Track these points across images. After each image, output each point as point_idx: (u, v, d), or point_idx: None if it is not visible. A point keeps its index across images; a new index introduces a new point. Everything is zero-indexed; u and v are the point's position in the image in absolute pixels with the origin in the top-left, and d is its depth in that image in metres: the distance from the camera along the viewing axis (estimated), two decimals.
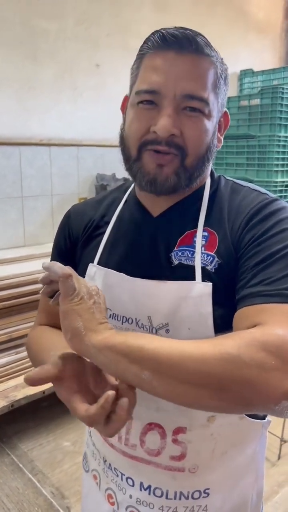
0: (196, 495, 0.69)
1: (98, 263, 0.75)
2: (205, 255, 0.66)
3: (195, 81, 0.63)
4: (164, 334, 0.64)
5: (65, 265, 0.81)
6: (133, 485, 0.72)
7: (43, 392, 1.69)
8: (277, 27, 4.22)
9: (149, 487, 0.70)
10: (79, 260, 0.81)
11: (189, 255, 0.66)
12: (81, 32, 2.66)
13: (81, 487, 1.83)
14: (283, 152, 2.86)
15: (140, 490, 0.71)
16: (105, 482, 0.78)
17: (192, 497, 0.69)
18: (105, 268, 0.73)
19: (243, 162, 2.83)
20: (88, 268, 0.75)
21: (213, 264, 0.65)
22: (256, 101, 2.79)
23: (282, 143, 2.82)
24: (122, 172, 3.00)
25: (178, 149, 0.65)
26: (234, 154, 2.88)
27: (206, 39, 0.65)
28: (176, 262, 0.67)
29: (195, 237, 0.67)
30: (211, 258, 0.65)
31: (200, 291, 0.63)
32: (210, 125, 0.67)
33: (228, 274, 0.64)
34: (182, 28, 0.65)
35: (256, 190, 0.72)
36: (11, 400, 1.18)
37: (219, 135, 0.73)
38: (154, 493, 0.70)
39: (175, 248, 0.68)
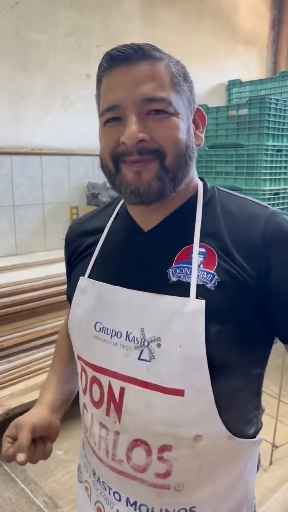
0: None
1: (89, 276, 0.75)
2: (204, 273, 0.64)
3: (150, 84, 0.63)
4: (155, 348, 0.64)
5: (69, 280, 0.86)
6: (119, 500, 0.71)
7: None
8: (264, 38, 4.31)
9: (135, 503, 0.69)
10: (71, 273, 0.82)
11: (188, 272, 0.65)
12: (71, 43, 2.69)
13: (74, 495, 1.83)
14: (271, 161, 2.92)
15: (127, 505, 0.70)
16: (95, 494, 0.78)
17: None
18: (98, 281, 0.73)
19: (232, 171, 2.87)
20: (79, 281, 0.76)
21: (212, 282, 0.64)
22: (244, 111, 2.84)
23: (270, 152, 2.87)
24: None
25: (153, 153, 0.64)
26: (223, 163, 2.92)
27: (153, 45, 0.66)
28: (174, 279, 0.66)
29: (192, 253, 0.66)
30: (211, 276, 0.64)
31: (193, 308, 0.62)
32: (181, 122, 0.66)
33: (230, 293, 0.63)
34: (126, 44, 0.66)
35: (252, 202, 0.71)
36: (6, 409, 1.18)
37: (198, 132, 0.72)
38: (139, 509, 0.69)
39: (173, 265, 0.67)
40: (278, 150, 2.94)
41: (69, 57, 2.69)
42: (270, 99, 2.79)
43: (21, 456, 0.73)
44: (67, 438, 2.24)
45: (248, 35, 4.08)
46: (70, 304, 0.88)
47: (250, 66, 4.18)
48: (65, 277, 2.37)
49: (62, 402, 0.90)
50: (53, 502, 1.82)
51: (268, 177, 2.88)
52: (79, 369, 0.78)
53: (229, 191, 0.75)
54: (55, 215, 2.77)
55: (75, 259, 0.82)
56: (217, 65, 3.70)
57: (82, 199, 2.88)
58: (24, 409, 1.88)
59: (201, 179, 0.76)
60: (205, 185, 0.75)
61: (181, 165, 0.66)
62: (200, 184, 0.74)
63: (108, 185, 2.96)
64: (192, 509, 0.68)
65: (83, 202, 2.88)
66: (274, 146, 2.90)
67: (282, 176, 3.04)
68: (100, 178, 2.94)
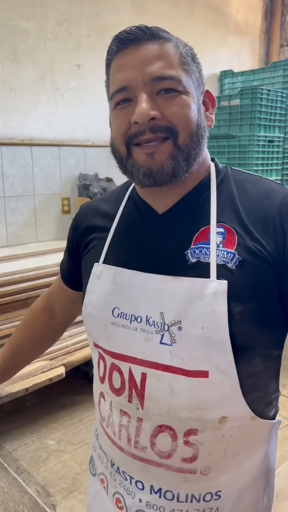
0: (208, 497, 0.68)
1: (104, 262, 0.74)
2: (225, 252, 0.64)
3: (159, 62, 0.64)
4: (176, 332, 0.63)
5: (71, 261, 0.88)
6: (142, 489, 0.70)
7: (26, 389, 1.70)
8: (256, 29, 4.29)
9: (160, 490, 0.68)
10: (84, 260, 0.81)
11: (207, 253, 0.65)
12: (61, 32, 2.67)
13: (66, 484, 1.85)
14: (263, 152, 2.92)
15: (150, 493, 0.69)
16: (112, 486, 0.76)
17: (204, 500, 0.68)
18: (114, 266, 0.72)
19: (224, 162, 2.87)
20: (94, 267, 0.75)
21: (233, 261, 0.63)
22: (236, 102, 2.84)
23: (261, 142, 2.88)
24: (104, 172, 3.02)
25: (165, 131, 0.64)
26: (216, 154, 2.92)
27: (160, 27, 0.67)
28: (194, 260, 0.65)
29: (210, 233, 0.66)
30: (232, 255, 0.63)
31: (214, 289, 0.61)
32: (191, 101, 0.65)
33: (252, 271, 0.63)
34: (134, 26, 0.67)
35: (268, 180, 0.71)
36: None
37: (208, 114, 0.72)
38: (165, 496, 0.68)
39: (192, 246, 0.66)
40: (269, 141, 2.94)
41: (59, 47, 2.67)
42: (262, 89, 2.79)
43: None
44: (58, 428, 2.26)
45: (240, 25, 4.06)
46: (61, 274, 0.93)
47: (242, 57, 4.16)
48: (56, 269, 2.36)
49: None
50: (46, 491, 1.84)
51: (260, 167, 2.89)
52: (96, 357, 0.77)
53: (242, 170, 0.74)
54: (46, 206, 2.76)
55: (87, 244, 0.81)
56: (208, 55, 3.68)
57: (74, 191, 2.87)
58: (12, 398, 1.89)
59: (213, 159, 0.75)
60: (217, 165, 0.74)
61: (194, 144, 0.66)
62: (212, 165, 0.74)
63: (99, 176, 2.95)
64: (218, 493, 0.68)
65: (74, 193, 2.87)
66: (265, 136, 2.90)
67: (274, 167, 3.05)
68: (91, 169, 2.93)
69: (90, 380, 2.68)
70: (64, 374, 1.66)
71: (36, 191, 2.68)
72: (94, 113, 2.92)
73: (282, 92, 2.95)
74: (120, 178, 3.01)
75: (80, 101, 2.83)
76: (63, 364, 1.81)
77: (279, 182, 0.75)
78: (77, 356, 2.05)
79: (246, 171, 0.74)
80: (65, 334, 2.23)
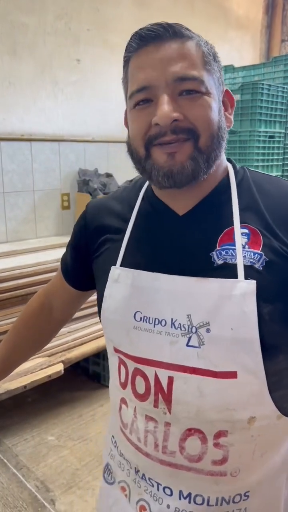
0: (237, 499, 0.67)
1: (122, 265, 0.72)
2: (251, 253, 0.64)
3: (182, 62, 0.62)
4: (204, 334, 0.62)
5: (76, 259, 0.87)
6: (171, 495, 0.69)
7: (25, 386, 1.70)
8: (257, 23, 4.26)
9: (189, 495, 0.67)
10: (97, 262, 0.80)
11: (233, 254, 0.64)
12: (61, 27, 2.65)
13: (66, 480, 1.85)
14: (263, 147, 2.91)
15: (179, 499, 0.68)
16: (136, 493, 0.74)
17: (233, 501, 0.67)
18: (134, 269, 0.70)
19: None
20: (111, 271, 0.73)
21: (260, 262, 0.63)
22: (236, 97, 2.82)
23: (262, 138, 2.86)
24: (104, 167, 3.01)
25: (187, 132, 0.62)
26: None
27: (182, 24, 0.65)
28: (220, 261, 0.64)
29: (234, 234, 0.65)
30: (258, 255, 0.63)
31: (243, 290, 0.61)
32: (213, 102, 0.64)
33: (279, 271, 0.62)
34: (156, 23, 0.65)
35: (286, 180, 0.70)
36: None
37: (227, 114, 0.70)
38: (194, 501, 0.67)
39: (217, 247, 0.65)
40: (270, 137, 2.92)
41: (59, 41, 2.65)
42: (263, 84, 2.77)
43: None
44: (58, 424, 2.26)
45: (241, 20, 4.03)
46: (62, 272, 0.91)
47: (243, 51, 4.14)
48: (55, 264, 2.36)
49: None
50: (45, 486, 1.84)
51: (260, 163, 2.87)
52: (116, 363, 0.75)
53: (259, 171, 0.74)
54: (46, 202, 2.75)
55: (99, 245, 0.79)
56: None
57: (73, 186, 2.86)
58: (11, 395, 1.89)
59: (229, 160, 0.74)
60: (234, 166, 0.73)
61: (215, 146, 0.65)
62: (230, 166, 0.73)
63: (99, 171, 2.94)
64: (246, 493, 0.67)
65: (74, 188, 2.86)
66: (266, 132, 2.88)
67: (275, 163, 3.04)
68: (91, 164, 2.92)
69: (89, 376, 2.69)
70: (63, 371, 1.66)
71: (36, 187, 2.67)
72: (94, 108, 2.91)
73: (283, 87, 2.94)
74: (120, 174, 3.01)
75: (79, 96, 2.81)
76: (62, 361, 1.81)
77: (257, 170, 0.75)
78: (76, 353, 2.05)
79: (263, 172, 0.74)
80: (64, 330, 2.23)
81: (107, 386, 2.82)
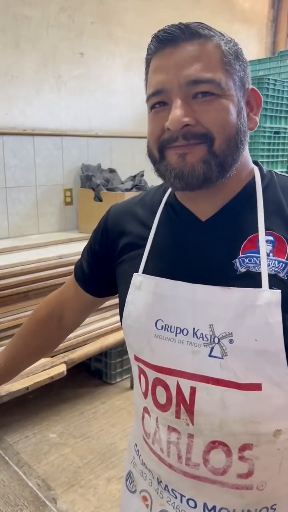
0: (264, 511, 0.66)
1: (144, 272, 0.71)
2: (276, 262, 0.62)
3: (196, 65, 0.61)
4: (227, 344, 0.61)
5: (94, 265, 0.85)
6: (195, 507, 0.67)
7: (27, 388, 1.68)
8: (263, 17, 4.20)
9: (214, 507, 0.66)
10: (119, 268, 0.78)
11: (257, 262, 0.62)
12: (64, 19, 2.61)
13: (67, 478, 1.84)
14: (268, 143, 2.87)
15: (204, 511, 0.67)
16: (158, 503, 0.73)
17: None
18: (156, 277, 0.69)
19: None
20: (133, 278, 0.72)
21: (285, 271, 0.61)
22: None
23: (267, 134, 2.83)
24: (107, 163, 2.98)
25: (199, 137, 0.61)
26: None
27: (201, 23, 0.63)
28: (243, 269, 0.63)
29: (259, 241, 0.63)
30: (283, 264, 0.61)
31: (267, 299, 0.59)
32: (230, 104, 0.62)
33: None
34: (173, 24, 0.63)
35: None
36: None
37: (252, 114, 0.68)
38: None
39: (240, 255, 0.63)
40: (275, 132, 2.89)
41: (62, 34, 2.61)
42: (269, 79, 2.73)
43: None
44: (60, 421, 2.25)
45: (247, 13, 3.98)
46: (77, 278, 0.89)
47: (249, 46, 4.08)
48: (57, 261, 2.32)
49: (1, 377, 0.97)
50: (46, 485, 1.83)
51: (265, 159, 2.84)
52: (136, 371, 0.74)
53: (286, 174, 0.71)
54: (48, 197, 2.72)
55: (121, 250, 0.77)
56: None
57: (76, 181, 2.83)
58: (12, 397, 1.88)
59: (256, 163, 0.72)
60: (261, 169, 0.71)
61: (231, 150, 0.63)
62: (256, 169, 0.71)
63: (102, 167, 2.91)
64: (273, 506, 0.66)
65: (77, 184, 2.83)
66: (271, 128, 2.85)
67: (280, 159, 3.00)
68: (94, 159, 2.89)
69: (91, 373, 2.67)
70: (65, 372, 1.64)
71: (38, 182, 2.65)
72: (98, 103, 2.87)
73: None
74: (123, 169, 2.97)
75: (83, 90, 2.78)
76: (65, 362, 1.79)
77: (284, 174, 0.72)
78: (79, 353, 2.03)
79: None
80: None
81: (109, 384, 2.83)
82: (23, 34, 2.43)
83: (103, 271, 0.83)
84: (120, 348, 2.56)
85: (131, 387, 2.59)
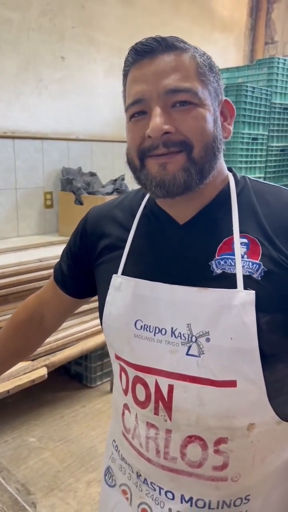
0: (238, 502, 0.68)
1: (123, 273, 0.73)
2: (250, 263, 0.64)
3: (174, 75, 0.63)
4: (204, 343, 0.63)
5: (74, 267, 0.86)
6: (173, 498, 0.70)
7: (8, 391, 1.67)
8: (242, 25, 4.29)
9: (191, 499, 0.68)
10: (98, 270, 0.79)
11: (232, 264, 0.64)
12: (45, 23, 2.62)
13: (47, 482, 1.83)
14: (247, 149, 2.93)
15: (181, 502, 0.69)
16: (137, 496, 0.75)
17: (234, 505, 0.68)
18: (134, 278, 0.71)
19: None
20: (112, 279, 0.73)
21: (259, 272, 0.63)
22: None
23: (245, 140, 2.88)
24: (88, 166, 2.98)
25: (179, 145, 0.63)
26: None
27: (176, 37, 0.66)
28: (218, 271, 0.65)
29: (234, 244, 0.66)
30: (257, 266, 0.64)
31: (242, 299, 0.62)
32: (207, 113, 0.64)
33: (277, 281, 0.63)
34: (150, 37, 0.65)
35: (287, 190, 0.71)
36: None
37: (226, 124, 0.70)
38: (196, 505, 0.68)
39: (216, 257, 0.66)
40: (253, 139, 2.95)
41: (43, 37, 2.62)
42: (247, 86, 2.79)
43: None
44: (39, 425, 2.24)
45: (226, 22, 4.05)
46: (56, 281, 0.90)
47: (227, 53, 4.16)
48: (37, 264, 2.31)
49: None
50: (26, 489, 1.81)
51: (244, 165, 2.89)
52: (117, 370, 0.76)
53: (260, 180, 0.74)
54: (28, 200, 2.71)
55: (100, 252, 0.79)
56: None
57: (57, 185, 2.83)
58: None
59: (230, 169, 0.75)
60: (235, 175, 0.74)
61: (209, 157, 0.65)
62: (230, 175, 0.73)
63: (83, 170, 2.91)
64: (247, 497, 0.68)
65: (57, 187, 2.83)
66: (250, 134, 2.91)
67: (257, 165, 3.07)
68: (75, 163, 2.89)
69: (71, 376, 2.67)
70: (46, 375, 1.64)
71: (18, 185, 2.64)
72: (78, 106, 2.88)
73: (267, 90, 2.96)
74: (104, 173, 2.98)
75: (64, 93, 2.78)
76: (46, 365, 1.79)
77: (262, 179, 0.75)
78: (59, 357, 2.02)
79: (264, 182, 0.74)
80: None
81: (89, 387, 2.82)
82: (4, 37, 2.43)
83: (82, 273, 0.84)
84: (101, 352, 2.57)
85: (111, 390, 2.59)
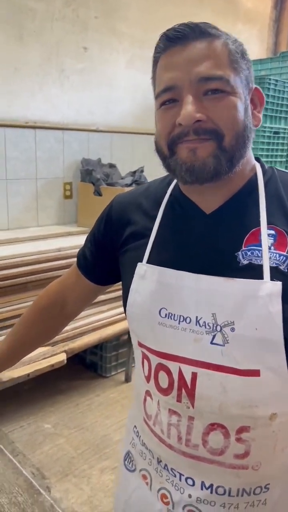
0: (258, 490, 0.69)
1: (148, 262, 0.73)
2: (277, 255, 0.64)
3: (206, 62, 0.62)
4: (229, 333, 0.63)
5: (97, 254, 0.87)
6: (193, 485, 0.71)
7: (28, 375, 1.70)
8: (266, 17, 4.22)
9: (211, 486, 0.69)
10: (123, 257, 0.80)
11: (259, 255, 0.64)
12: (68, 13, 2.62)
13: (62, 467, 1.86)
14: (268, 143, 2.90)
15: (201, 489, 0.70)
16: (157, 482, 0.76)
17: (254, 493, 0.69)
18: (160, 267, 0.71)
19: None
20: (138, 267, 0.74)
21: (286, 264, 0.63)
22: None
23: (267, 133, 2.85)
24: (107, 158, 2.99)
25: (210, 133, 0.63)
26: None
27: (208, 23, 0.65)
28: (245, 262, 0.65)
29: (261, 235, 0.65)
30: (284, 257, 0.64)
31: (269, 290, 0.62)
32: (238, 102, 0.64)
33: None
34: (183, 23, 0.65)
35: None
36: None
37: (256, 112, 0.70)
38: (216, 492, 0.69)
39: (243, 248, 0.66)
40: (275, 132, 2.91)
41: (66, 28, 2.62)
42: (270, 79, 2.76)
43: None
44: (55, 412, 2.27)
45: (249, 13, 4.00)
46: (79, 267, 0.90)
47: (251, 45, 4.10)
48: (56, 254, 2.33)
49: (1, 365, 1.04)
50: (41, 473, 1.84)
51: (264, 159, 2.87)
52: (139, 357, 0.77)
53: (287, 171, 0.74)
54: (48, 190, 2.74)
55: (125, 240, 0.79)
56: None
57: (76, 175, 2.85)
58: (14, 383, 1.90)
59: (257, 159, 0.74)
60: (262, 165, 0.73)
61: (239, 146, 0.65)
62: (258, 165, 0.73)
63: (102, 161, 2.92)
64: (267, 485, 0.69)
65: (77, 178, 2.84)
66: (271, 128, 2.87)
67: (279, 159, 3.03)
68: (94, 154, 2.90)
69: (86, 366, 2.70)
70: (66, 361, 1.67)
71: (39, 175, 2.66)
72: (100, 97, 2.89)
73: None
74: (123, 165, 2.97)
75: (86, 84, 2.79)
76: (65, 351, 1.81)
77: (285, 170, 0.74)
78: (79, 343, 2.05)
79: None
80: None
81: (104, 377, 2.85)
82: (28, 27, 2.44)
83: (106, 260, 0.85)
84: (116, 342, 2.59)
85: (126, 380, 2.61)
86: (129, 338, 2.63)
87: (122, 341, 2.62)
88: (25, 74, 2.48)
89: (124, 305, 0.78)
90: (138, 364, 0.78)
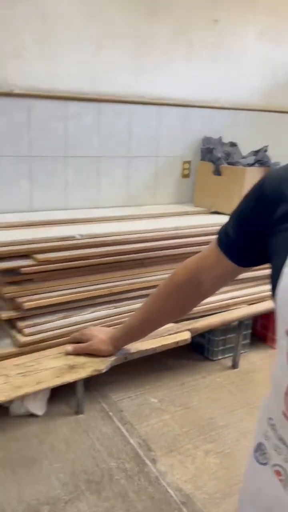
0: None
1: None
2: None
3: None
4: None
5: (242, 233, 0.81)
6: None
7: (154, 349, 1.73)
8: None
9: None
10: (275, 238, 0.74)
11: None
12: None
13: (167, 443, 1.90)
14: None
15: None
16: None
17: None
18: None
19: None
20: None
21: None
22: None
23: None
24: (229, 136, 2.89)
25: None
26: None
27: None
28: None
29: None
30: None
31: None
32: None
33: None
34: None
35: None
36: (124, 353, 1.24)
37: None
38: None
39: None
40: None
41: (197, 0, 2.54)
42: None
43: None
44: (161, 387, 2.31)
45: None
46: (220, 245, 0.85)
47: None
48: (173, 232, 2.31)
49: (124, 341, 1.16)
50: (147, 445, 1.90)
51: None
52: (285, 346, 0.72)
53: None
54: (167, 169, 2.73)
55: (280, 219, 0.73)
56: None
57: (196, 154, 2.80)
58: (141, 355, 1.95)
59: None
60: None
61: None
62: None
63: (223, 140, 2.82)
64: None
65: (196, 156, 2.80)
66: None
67: None
68: (216, 132, 2.82)
69: (193, 347, 2.69)
70: (190, 339, 1.67)
71: (160, 153, 2.67)
72: (227, 73, 2.78)
73: None
74: (244, 144, 2.83)
75: (213, 59, 2.70)
76: (189, 329, 1.81)
77: None
78: (202, 323, 2.03)
79: None
80: None
81: (210, 359, 2.81)
82: (159, 1, 2.41)
83: (252, 240, 0.79)
84: (224, 327, 2.53)
85: (233, 366, 2.56)
86: (239, 325, 2.56)
87: (232, 327, 2.56)
88: (153, 50, 2.47)
89: (273, 289, 0.72)
90: (283, 355, 0.72)
